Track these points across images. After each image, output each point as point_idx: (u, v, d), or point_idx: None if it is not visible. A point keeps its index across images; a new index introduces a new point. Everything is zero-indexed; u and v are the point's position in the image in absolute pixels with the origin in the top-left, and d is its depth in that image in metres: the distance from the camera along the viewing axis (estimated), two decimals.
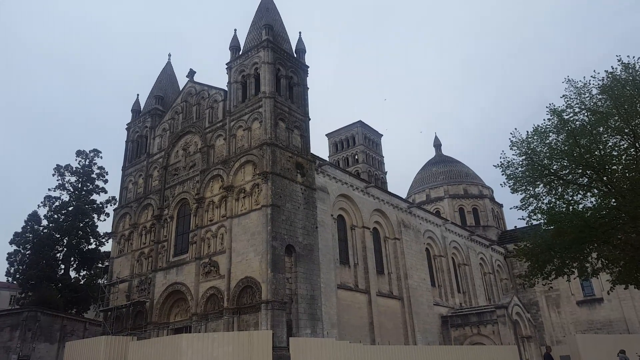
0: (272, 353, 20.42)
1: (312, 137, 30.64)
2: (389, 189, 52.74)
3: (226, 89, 31.37)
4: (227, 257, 26.00)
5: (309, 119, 30.80)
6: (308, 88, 31.94)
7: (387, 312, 33.06)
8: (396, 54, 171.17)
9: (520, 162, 20.29)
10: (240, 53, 31.59)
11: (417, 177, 66.25)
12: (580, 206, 19.10)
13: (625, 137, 18.43)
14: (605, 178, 18.38)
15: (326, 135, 67.68)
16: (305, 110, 30.88)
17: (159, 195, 32.49)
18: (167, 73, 40.50)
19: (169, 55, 41.86)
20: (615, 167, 18.69)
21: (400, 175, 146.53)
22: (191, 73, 35.31)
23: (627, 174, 17.93)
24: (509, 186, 20.67)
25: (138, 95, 39.57)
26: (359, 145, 63.04)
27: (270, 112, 27.66)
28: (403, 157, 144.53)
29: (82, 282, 42.24)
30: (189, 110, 33.85)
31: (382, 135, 68.32)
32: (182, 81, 37.94)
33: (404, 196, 52.92)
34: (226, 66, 31.80)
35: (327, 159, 55.30)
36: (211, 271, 26.71)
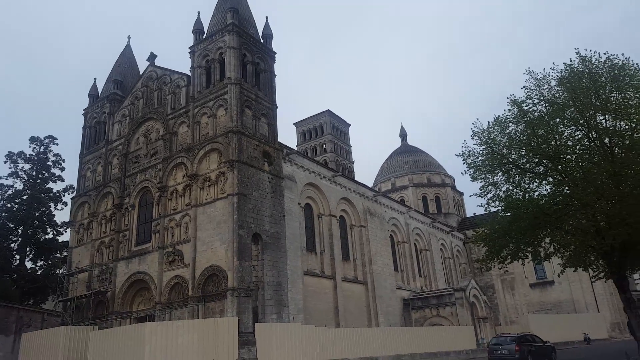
0: (237, 339, 20.51)
1: (280, 126, 30.47)
2: (356, 178, 53.43)
3: (189, 74, 30.64)
4: (192, 246, 25.69)
5: (277, 107, 30.55)
6: (275, 75, 31.62)
7: (351, 297, 33.71)
8: (365, 45, 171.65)
9: (481, 152, 20.94)
10: (204, 37, 30.84)
11: (383, 166, 67.23)
12: (536, 194, 19.99)
13: (580, 127, 19.30)
14: (560, 167, 19.25)
15: (294, 124, 67.47)
16: (273, 97, 30.60)
17: (119, 183, 31.60)
18: (127, 57, 39.10)
19: (129, 37, 40.14)
20: (569, 156, 19.58)
21: (367, 164, 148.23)
22: (152, 57, 34.24)
23: (580, 164, 18.83)
24: (470, 174, 21.29)
25: (95, 79, 38.05)
26: (327, 135, 63.22)
27: (236, 99, 27.27)
28: (370, 146, 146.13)
29: (39, 273, 40.74)
30: (150, 96, 32.92)
31: (350, 124, 68.73)
32: (142, 65, 36.72)
33: (370, 185, 53.74)
34: (189, 50, 31.00)
35: (295, 148, 55.27)
36: (175, 260, 26.34)
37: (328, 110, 64.56)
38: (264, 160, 27.58)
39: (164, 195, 28.50)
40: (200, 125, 28.63)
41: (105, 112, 35.24)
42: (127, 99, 34.57)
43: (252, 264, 24.47)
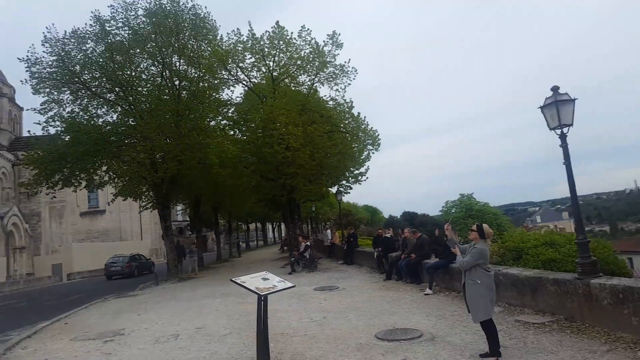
0: None
1: None
2: None
3: None
4: None
5: None
6: None
7: None
8: None
9: (51, 63, 18.38)
10: None
11: None
12: (101, 120, 19.38)
13: (156, 64, 19.88)
14: (130, 98, 19.27)
15: None
16: None
17: None
18: None
19: None
20: (141, 89, 19.91)
21: None
22: None
23: (149, 99, 19.45)
24: (32, 85, 18.37)
25: None
26: None
27: None
28: None
29: None
30: None
31: None
32: None
33: None
34: None
35: None
36: None
37: None
38: None
39: None
40: None
41: None
42: None
43: None
